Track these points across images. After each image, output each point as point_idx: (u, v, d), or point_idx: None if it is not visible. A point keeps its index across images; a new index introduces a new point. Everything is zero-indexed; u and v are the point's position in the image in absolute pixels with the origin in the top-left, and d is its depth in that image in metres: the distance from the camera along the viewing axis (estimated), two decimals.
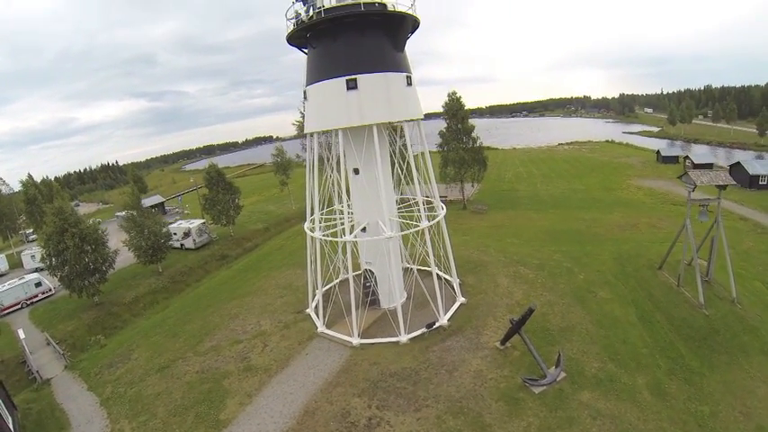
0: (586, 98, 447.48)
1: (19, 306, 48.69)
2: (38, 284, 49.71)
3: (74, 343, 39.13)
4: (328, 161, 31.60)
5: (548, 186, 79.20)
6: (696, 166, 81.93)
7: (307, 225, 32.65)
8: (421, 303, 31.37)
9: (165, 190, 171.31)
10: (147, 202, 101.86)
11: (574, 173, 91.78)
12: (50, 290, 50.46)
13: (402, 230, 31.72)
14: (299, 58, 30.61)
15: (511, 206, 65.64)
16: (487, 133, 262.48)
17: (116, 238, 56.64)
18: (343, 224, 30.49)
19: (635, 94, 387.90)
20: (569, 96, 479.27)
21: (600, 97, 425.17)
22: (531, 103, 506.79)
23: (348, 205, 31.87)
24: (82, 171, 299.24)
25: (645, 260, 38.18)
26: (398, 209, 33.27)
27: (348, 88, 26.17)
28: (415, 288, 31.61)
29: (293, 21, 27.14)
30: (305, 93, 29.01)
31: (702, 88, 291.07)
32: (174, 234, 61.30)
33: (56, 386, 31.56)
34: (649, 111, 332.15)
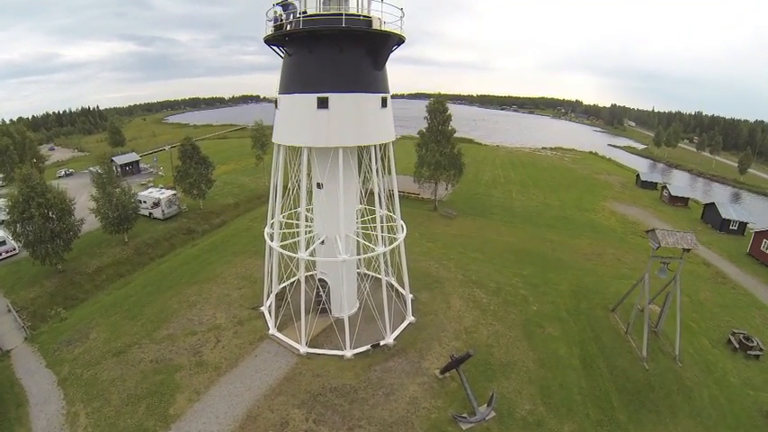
0: (578, 102, 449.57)
1: None
2: (2, 243, 48.86)
3: (35, 311, 38.97)
4: (294, 172, 31.26)
5: (523, 196, 79.11)
6: (672, 199, 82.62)
7: (267, 230, 32.65)
8: (371, 316, 31.97)
9: (143, 143, 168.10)
10: (122, 159, 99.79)
11: (552, 184, 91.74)
12: (14, 249, 49.58)
13: (358, 253, 31.96)
14: None
15: (482, 214, 65.62)
16: (474, 124, 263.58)
17: (86, 196, 55.76)
18: (307, 230, 30.48)
19: (626, 106, 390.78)
20: (561, 98, 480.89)
21: (591, 104, 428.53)
22: (523, 98, 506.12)
23: (309, 210, 31.60)
24: (60, 112, 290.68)
25: (601, 298, 39.12)
26: (361, 221, 33.03)
27: (318, 106, 25.14)
28: (367, 297, 32.07)
29: (272, 22, 25.86)
30: (276, 101, 28.12)
31: (693, 113, 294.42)
32: (144, 202, 60.33)
33: (15, 358, 32.00)
34: (632, 124, 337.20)
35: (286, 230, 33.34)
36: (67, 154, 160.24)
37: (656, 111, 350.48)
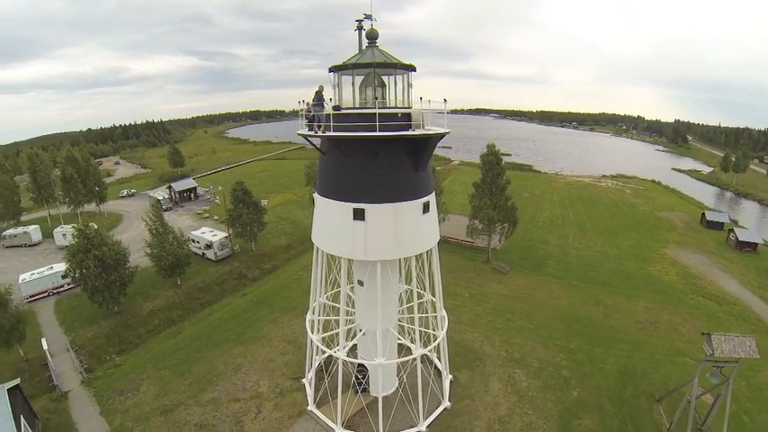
0: (639, 118, 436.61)
1: (46, 294, 53.39)
2: (64, 276, 51.96)
3: (92, 351, 42.32)
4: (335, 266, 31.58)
5: (579, 243, 75.18)
6: (739, 244, 77.67)
7: (308, 317, 32.79)
8: (409, 398, 31.56)
9: (203, 161, 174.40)
10: (180, 185, 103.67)
11: (611, 226, 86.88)
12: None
13: (397, 356, 32.02)
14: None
15: (536, 267, 62.58)
16: (533, 147, 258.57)
17: (143, 225, 60.24)
18: (348, 317, 31.06)
19: (690, 122, 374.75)
20: (622, 114, 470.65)
21: (654, 119, 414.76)
22: (583, 114, 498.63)
23: (352, 290, 31.90)
24: (126, 125, 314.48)
25: (648, 383, 36.66)
26: (405, 307, 32.80)
27: (355, 217, 23.84)
28: (407, 376, 32.43)
29: (305, 117, 24.79)
30: (313, 197, 27.49)
31: (763, 129, 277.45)
32: (196, 242, 62.50)
33: (72, 401, 35.45)
34: (689, 138, 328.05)
35: (327, 317, 33.94)
36: (131, 170, 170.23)
37: (722, 126, 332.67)
